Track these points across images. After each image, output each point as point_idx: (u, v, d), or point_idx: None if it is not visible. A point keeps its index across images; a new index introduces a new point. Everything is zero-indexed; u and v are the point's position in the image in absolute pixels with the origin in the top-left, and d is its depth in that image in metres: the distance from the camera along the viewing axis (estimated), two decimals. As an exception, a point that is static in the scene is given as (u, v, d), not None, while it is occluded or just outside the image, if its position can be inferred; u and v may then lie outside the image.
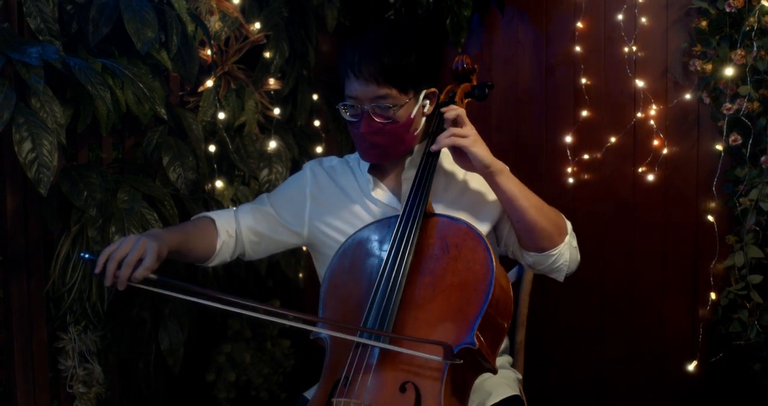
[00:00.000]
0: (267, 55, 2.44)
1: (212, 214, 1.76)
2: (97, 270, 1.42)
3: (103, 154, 2.07)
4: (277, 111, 2.53)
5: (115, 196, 1.93)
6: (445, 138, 1.58)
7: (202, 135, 2.18)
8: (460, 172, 1.75)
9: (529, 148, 2.75)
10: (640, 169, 2.52)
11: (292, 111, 2.67)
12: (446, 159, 1.73)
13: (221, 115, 2.28)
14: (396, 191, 1.74)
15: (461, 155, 1.61)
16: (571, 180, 2.63)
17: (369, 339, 1.42)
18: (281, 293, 2.80)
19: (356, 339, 1.43)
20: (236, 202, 2.39)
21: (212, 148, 2.30)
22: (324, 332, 1.50)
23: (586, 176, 2.62)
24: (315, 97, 2.74)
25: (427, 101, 1.67)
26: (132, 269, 1.42)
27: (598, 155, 2.59)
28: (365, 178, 1.75)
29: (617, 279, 2.58)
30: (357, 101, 1.61)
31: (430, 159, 1.64)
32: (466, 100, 1.79)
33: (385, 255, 1.53)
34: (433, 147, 1.60)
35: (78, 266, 1.87)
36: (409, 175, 1.72)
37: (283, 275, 2.65)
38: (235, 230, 1.75)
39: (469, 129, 1.59)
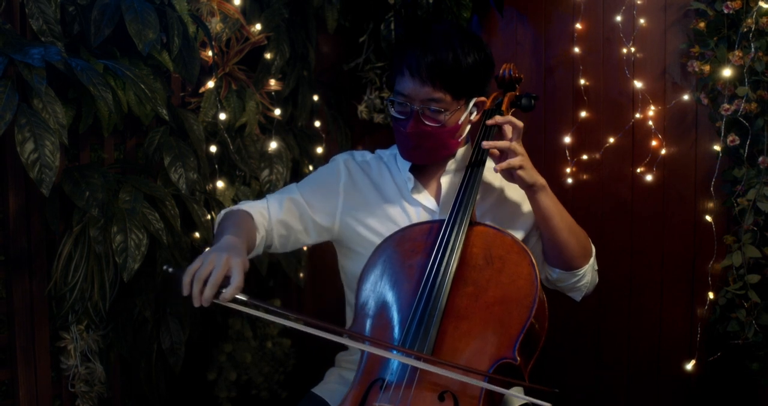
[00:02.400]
0: (268, 56, 2.45)
1: (247, 207, 1.69)
2: (185, 292, 1.35)
3: (105, 155, 2.08)
4: (277, 112, 2.54)
5: (117, 196, 1.94)
6: (502, 166, 1.56)
7: (203, 136, 2.19)
8: (496, 181, 1.74)
9: (528, 149, 2.71)
10: (638, 170, 2.53)
11: (292, 112, 2.68)
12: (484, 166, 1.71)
13: (222, 116, 2.29)
14: (436, 195, 1.72)
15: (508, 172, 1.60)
16: (569, 180, 2.64)
17: (409, 358, 1.39)
18: (282, 293, 2.80)
19: (393, 357, 1.41)
20: (237, 202, 2.40)
21: (213, 148, 2.31)
22: (368, 350, 1.46)
23: (584, 177, 2.63)
24: (315, 98, 2.75)
25: (475, 109, 1.67)
26: (218, 288, 1.34)
27: (597, 156, 2.60)
28: (404, 178, 1.72)
29: (615, 279, 2.59)
30: (408, 99, 1.59)
31: (476, 167, 1.62)
32: (512, 110, 1.76)
33: (429, 260, 1.50)
34: (498, 169, 1.57)
35: (80, 265, 1.89)
36: (450, 179, 1.71)
37: (284, 275, 2.66)
38: (268, 222, 1.70)
39: (521, 149, 1.59)
